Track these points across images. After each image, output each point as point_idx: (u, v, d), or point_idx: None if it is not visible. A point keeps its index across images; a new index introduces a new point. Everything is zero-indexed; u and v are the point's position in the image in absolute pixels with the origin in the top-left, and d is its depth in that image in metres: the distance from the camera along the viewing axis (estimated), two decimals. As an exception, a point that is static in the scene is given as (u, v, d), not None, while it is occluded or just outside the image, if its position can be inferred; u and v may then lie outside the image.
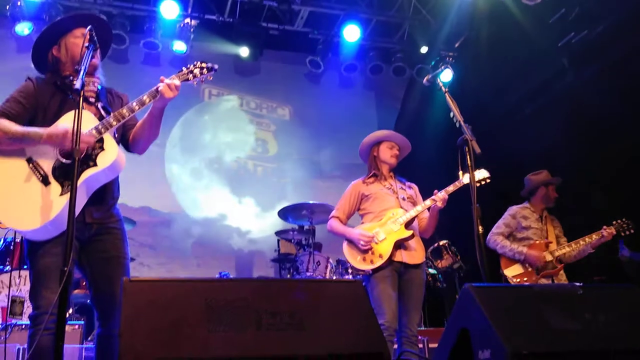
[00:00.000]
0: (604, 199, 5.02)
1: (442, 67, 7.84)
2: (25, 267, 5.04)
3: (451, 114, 3.29)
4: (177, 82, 2.80)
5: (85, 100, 2.70)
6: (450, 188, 3.91)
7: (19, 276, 4.92)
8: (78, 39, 2.81)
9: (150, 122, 2.86)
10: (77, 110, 2.42)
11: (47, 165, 2.63)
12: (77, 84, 2.44)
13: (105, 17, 7.25)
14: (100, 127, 2.67)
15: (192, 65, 2.92)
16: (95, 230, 2.76)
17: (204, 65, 2.92)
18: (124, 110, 2.74)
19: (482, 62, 7.65)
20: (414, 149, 4.31)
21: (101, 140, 2.68)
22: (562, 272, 4.82)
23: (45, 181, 2.61)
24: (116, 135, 2.84)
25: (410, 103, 8.88)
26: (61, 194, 2.57)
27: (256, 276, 7.32)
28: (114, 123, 2.71)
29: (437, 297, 6.15)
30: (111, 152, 2.67)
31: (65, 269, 2.22)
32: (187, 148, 8.07)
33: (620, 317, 2.38)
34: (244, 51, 7.92)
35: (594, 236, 4.69)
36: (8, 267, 5.02)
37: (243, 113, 8.52)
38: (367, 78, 8.67)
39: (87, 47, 2.63)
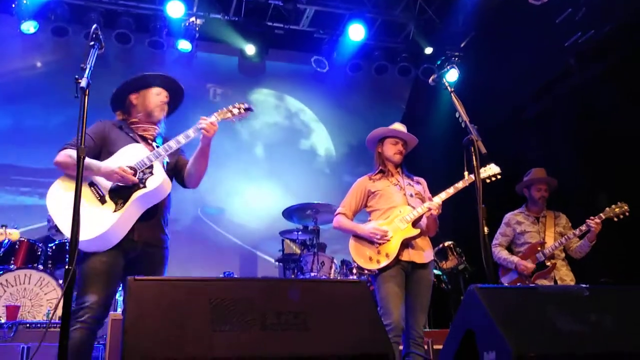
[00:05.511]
0: (609, 202, 4.98)
1: (448, 67, 7.82)
2: (29, 266, 5.07)
3: (457, 114, 3.28)
4: (214, 119, 3.24)
5: (145, 139, 3.24)
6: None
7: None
8: (154, 96, 3.30)
9: (200, 158, 3.26)
10: (81, 110, 2.50)
11: (105, 188, 3.03)
12: (83, 83, 2.56)
13: (111, 15, 7.33)
14: (151, 156, 3.09)
15: (231, 106, 3.34)
16: (139, 251, 3.04)
17: (242, 106, 3.36)
18: (172, 142, 3.17)
19: (488, 62, 7.63)
20: (420, 149, 4.26)
21: (151, 167, 3.08)
22: (568, 272, 4.79)
23: (102, 200, 3.00)
24: (165, 166, 3.23)
25: (415, 103, 8.86)
26: (114, 211, 2.95)
27: (260, 276, 7.32)
28: (163, 152, 3.14)
29: (442, 298, 6.13)
30: (158, 177, 3.07)
31: (70, 267, 2.29)
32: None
33: (627, 319, 2.36)
34: (249, 50, 7.91)
35: (583, 227, 4.65)
36: (13, 266, 5.04)
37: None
38: (372, 78, 8.66)
39: (92, 46, 2.76)
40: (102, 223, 2.89)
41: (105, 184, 3.02)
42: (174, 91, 3.39)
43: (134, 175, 3.01)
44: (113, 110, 3.37)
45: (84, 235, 2.78)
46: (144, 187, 3.01)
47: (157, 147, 3.23)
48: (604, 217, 4.61)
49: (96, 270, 2.88)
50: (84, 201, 2.87)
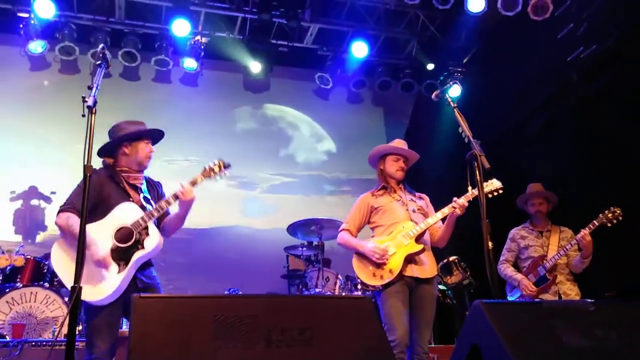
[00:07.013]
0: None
1: (451, 83, 7.86)
2: (35, 283, 5.08)
3: (460, 129, 3.29)
4: (191, 186, 3.43)
5: (134, 188, 3.48)
6: (465, 198, 3.80)
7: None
8: (144, 147, 3.52)
9: (180, 217, 3.53)
10: (88, 128, 2.57)
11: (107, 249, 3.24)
12: (90, 102, 2.68)
13: (117, 35, 7.41)
14: (145, 217, 3.32)
15: (212, 164, 3.55)
16: (136, 291, 3.21)
17: (221, 163, 3.55)
18: (163, 203, 3.42)
19: (490, 77, 7.66)
20: (423, 164, 4.27)
21: (146, 228, 3.32)
22: (573, 286, 4.75)
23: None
24: (155, 222, 3.44)
25: (418, 118, 8.89)
26: (118, 272, 3.19)
27: (265, 292, 7.30)
28: (155, 214, 3.37)
29: (447, 313, 6.10)
30: (154, 237, 3.34)
31: (76, 285, 2.39)
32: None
33: (632, 333, 2.35)
34: (254, 67, 7.97)
35: (574, 240, 4.61)
36: (19, 284, 5.05)
37: (252, 128, 8.56)
38: (375, 94, 8.71)
39: (99, 65, 2.92)
40: (110, 284, 3.15)
41: (106, 246, 3.22)
42: (156, 136, 3.66)
43: (133, 235, 3.27)
44: (99, 156, 3.52)
45: (96, 296, 3.10)
46: (142, 248, 3.28)
47: (144, 197, 3.47)
48: (595, 225, 4.53)
49: (102, 325, 3.15)
50: (92, 265, 3.13)
